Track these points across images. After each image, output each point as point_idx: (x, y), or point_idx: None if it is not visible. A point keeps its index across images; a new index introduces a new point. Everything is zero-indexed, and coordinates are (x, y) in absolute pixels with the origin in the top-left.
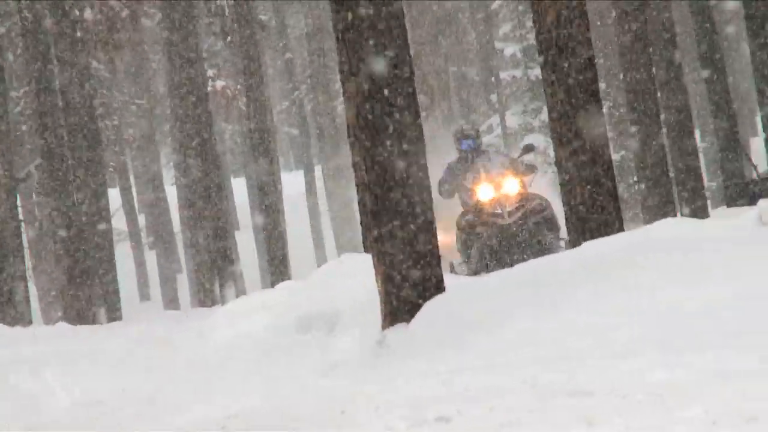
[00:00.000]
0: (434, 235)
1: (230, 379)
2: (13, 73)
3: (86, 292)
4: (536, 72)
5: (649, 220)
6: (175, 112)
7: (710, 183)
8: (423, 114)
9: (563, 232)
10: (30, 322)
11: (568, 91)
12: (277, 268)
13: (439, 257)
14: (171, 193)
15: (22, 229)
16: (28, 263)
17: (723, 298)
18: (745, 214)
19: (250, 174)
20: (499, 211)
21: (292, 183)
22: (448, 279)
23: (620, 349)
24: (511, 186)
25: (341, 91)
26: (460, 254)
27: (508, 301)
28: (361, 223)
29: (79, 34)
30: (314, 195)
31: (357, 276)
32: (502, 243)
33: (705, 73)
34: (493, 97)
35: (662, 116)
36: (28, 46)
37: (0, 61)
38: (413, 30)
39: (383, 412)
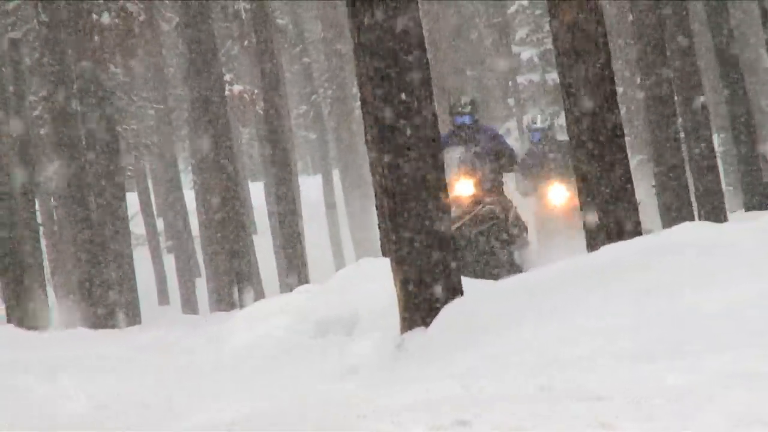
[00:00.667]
0: (451, 239)
1: (246, 383)
2: (31, 77)
3: (104, 296)
4: (553, 76)
5: (667, 225)
6: (193, 117)
7: (727, 187)
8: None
9: (527, 241)
10: (48, 327)
11: (585, 96)
12: (295, 272)
13: (455, 260)
14: (189, 197)
15: (41, 233)
16: (47, 267)
17: (744, 299)
18: (764, 217)
19: (267, 178)
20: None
21: (310, 187)
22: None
23: (635, 352)
24: (463, 187)
25: (358, 95)
26: None
27: (525, 304)
28: (379, 227)
29: (96, 38)
30: (332, 199)
31: (375, 280)
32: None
33: (725, 93)
34: (511, 101)
35: (679, 120)
36: (46, 50)
37: (16, 57)
38: (430, 34)
39: (401, 416)
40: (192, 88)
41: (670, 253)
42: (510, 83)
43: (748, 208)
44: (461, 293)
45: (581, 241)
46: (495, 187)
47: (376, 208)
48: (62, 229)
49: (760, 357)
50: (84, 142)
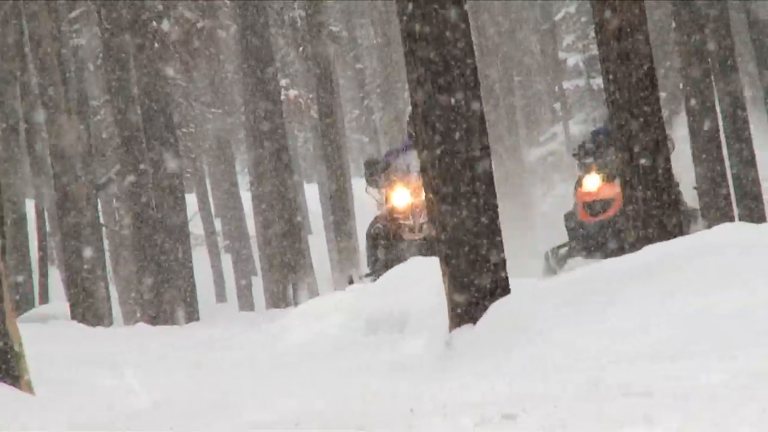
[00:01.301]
0: (500, 239)
1: (302, 379)
2: (94, 83)
3: (165, 293)
4: (598, 81)
5: (708, 226)
6: (250, 120)
7: None
8: (488, 120)
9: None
10: (111, 323)
11: (629, 101)
12: (348, 271)
13: (504, 260)
14: (246, 198)
15: (103, 234)
16: (109, 266)
17: None
18: None
19: (322, 180)
20: (411, 222)
21: (363, 188)
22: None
23: (674, 351)
24: None
25: (410, 99)
26: (367, 266)
27: (568, 304)
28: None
29: (156, 45)
30: None
31: (425, 279)
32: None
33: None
34: (557, 106)
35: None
36: (108, 57)
37: (79, 63)
38: (479, 40)
39: (451, 410)
40: (249, 93)
41: (711, 253)
42: (556, 88)
43: None
44: (508, 291)
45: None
46: None
47: (427, 208)
48: (123, 230)
49: None
50: (144, 145)
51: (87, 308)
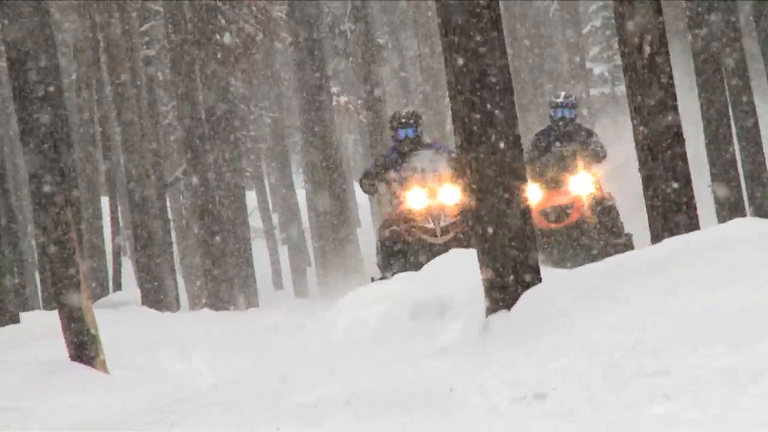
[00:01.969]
0: (532, 232)
1: (351, 362)
2: (163, 90)
3: (227, 282)
4: (621, 89)
5: (722, 221)
6: (304, 124)
7: None
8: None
9: None
10: (178, 309)
11: (650, 106)
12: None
13: (536, 252)
14: (300, 194)
15: (171, 227)
16: (176, 257)
17: None
18: None
19: None
20: (431, 225)
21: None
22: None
23: (691, 338)
24: (451, 194)
25: (449, 106)
26: (379, 269)
27: (595, 293)
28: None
29: (219, 55)
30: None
31: (464, 269)
32: None
33: None
34: (584, 111)
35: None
36: (176, 66)
37: (150, 72)
38: (513, 51)
39: (487, 390)
40: (303, 99)
41: (724, 248)
42: (583, 95)
43: None
44: (540, 280)
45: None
46: None
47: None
48: (190, 223)
49: None
50: (209, 146)
51: (156, 295)
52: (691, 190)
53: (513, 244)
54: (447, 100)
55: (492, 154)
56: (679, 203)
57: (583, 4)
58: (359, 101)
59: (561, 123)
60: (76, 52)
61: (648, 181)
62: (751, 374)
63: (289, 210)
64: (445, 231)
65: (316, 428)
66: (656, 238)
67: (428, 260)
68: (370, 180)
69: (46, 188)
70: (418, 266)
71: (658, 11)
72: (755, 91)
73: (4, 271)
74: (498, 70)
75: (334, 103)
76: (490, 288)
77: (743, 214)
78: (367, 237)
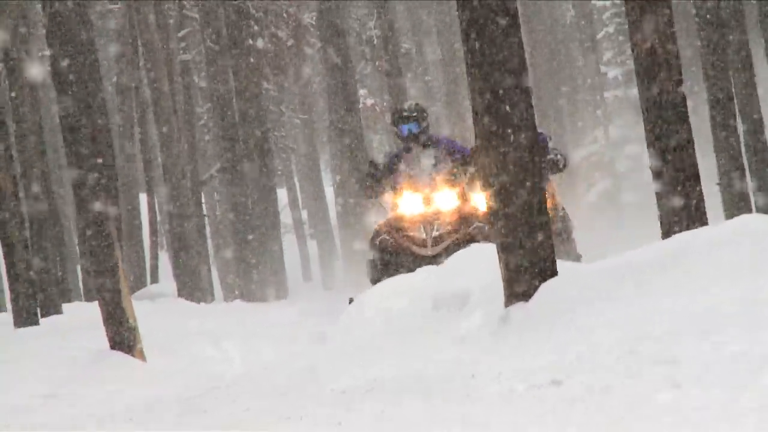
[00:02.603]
0: (549, 228)
1: (376, 351)
2: (198, 93)
3: (258, 274)
4: (634, 91)
5: (729, 217)
6: (332, 125)
7: None
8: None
9: None
10: (212, 300)
11: (660, 107)
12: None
13: (552, 245)
14: (329, 192)
15: (206, 222)
16: (211, 250)
17: None
18: None
19: None
20: (422, 235)
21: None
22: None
23: (700, 329)
24: (447, 200)
25: (470, 107)
26: (370, 282)
27: (608, 285)
28: (488, 219)
29: (252, 59)
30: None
31: (484, 262)
32: None
33: None
34: (599, 113)
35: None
36: (211, 69)
37: (187, 75)
38: (531, 55)
39: (505, 377)
40: (331, 101)
41: (730, 243)
42: (598, 97)
43: None
44: (555, 273)
45: None
46: (469, 202)
47: (486, 201)
48: (224, 218)
49: None
50: (242, 146)
51: (191, 287)
52: (700, 187)
53: (531, 239)
54: (467, 102)
55: (510, 153)
56: (689, 200)
57: (597, 11)
58: (384, 103)
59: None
60: (117, 56)
61: (658, 178)
62: (759, 362)
63: (317, 206)
64: (437, 241)
65: (345, 413)
66: (666, 234)
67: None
68: (371, 184)
69: (88, 184)
70: None
71: (670, 22)
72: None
73: (48, 264)
74: (516, 73)
75: (361, 105)
76: (509, 281)
77: (749, 210)
78: None
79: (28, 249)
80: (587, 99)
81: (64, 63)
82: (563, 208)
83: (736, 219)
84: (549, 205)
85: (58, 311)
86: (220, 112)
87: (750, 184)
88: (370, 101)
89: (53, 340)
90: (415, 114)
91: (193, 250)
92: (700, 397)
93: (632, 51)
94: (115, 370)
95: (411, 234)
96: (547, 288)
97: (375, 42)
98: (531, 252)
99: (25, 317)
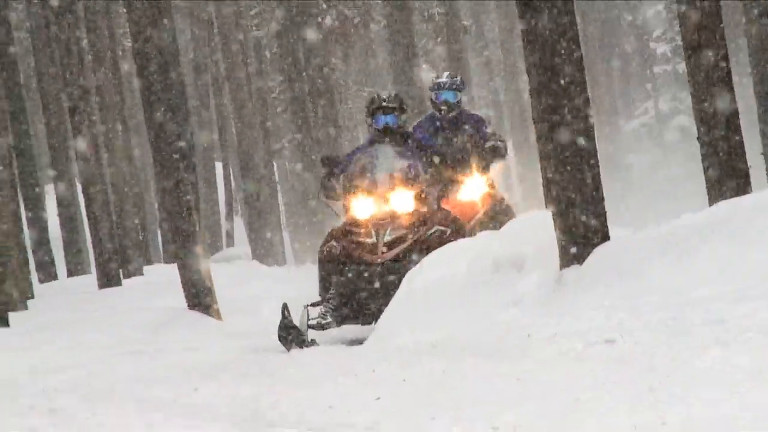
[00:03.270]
0: (602, 194)
1: (439, 311)
2: (270, 67)
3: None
4: (682, 66)
5: None
6: None
7: None
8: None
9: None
10: (284, 263)
11: (707, 80)
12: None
13: (605, 211)
14: None
15: (278, 190)
16: (283, 216)
17: None
18: None
19: None
20: (373, 240)
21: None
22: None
23: (744, 293)
24: (403, 201)
25: (527, 81)
26: (319, 291)
27: (657, 250)
28: (543, 186)
29: (320, 36)
30: (506, 167)
31: (541, 228)
32: (368, 290)
33: None
34: (648, 86)
35: None
36: (282, 45)
37: (259, 51)
38: (585, 32)
39: (560, 336)
40: (396, 76)
41: None
42: (648, 72)
43: None
44: (608, 238)
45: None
46: (436, 203)
47: (541, 171)
48: (295, 186)
49: None
50: (312, 118)
51: (264, 251)
52: (745, 156)
53: (585, 207)
54: (525, 76)
55: (564, 124)
56: (734, 170)
57: None
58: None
59: (444, 108)
60: (193, 33)
61: (706, 148)
62: None
63: None
64: (389, 246)
65: (410, 368)
66: (712, 202)
67: (365, 284)
68: (324, 182)
69: (167, 153)
70: (351, 296)
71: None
72: None
73: (129, 229)
74: (569, 49)
75: (423, 79)
76: (564, 245)
77: None
78: None
79: (111, 214)
80: (637, 73)
81: (145, 42)
82: (503, 199)
83: None
84: (489, 194)
85: (140, 273)
86: (290, 85)
87: None
88: (432, 75)
89: (135, 300)
90: (394, 105)
91: (265, 216)
92: (745, 357)
93: (680, 27)
94: (193, 328)
95: (361, 239)
96: (599, 253)
97: (437, 19)
98: (584, 219)
99: (108, 278)
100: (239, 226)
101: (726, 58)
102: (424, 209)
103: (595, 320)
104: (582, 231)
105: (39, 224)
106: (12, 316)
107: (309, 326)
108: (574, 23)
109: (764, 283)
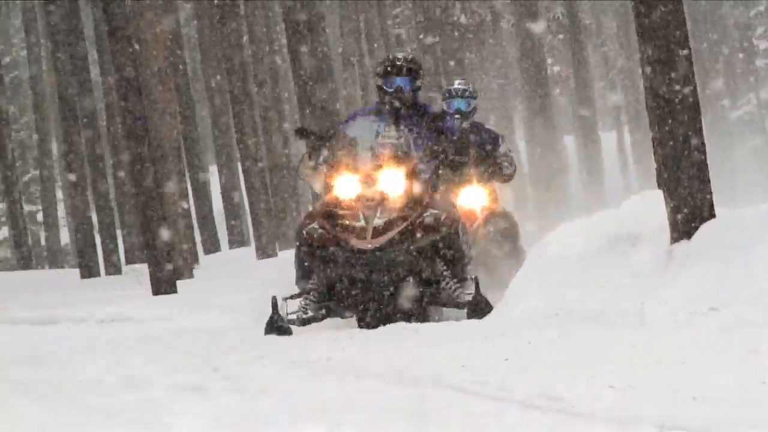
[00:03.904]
0: (708, 176)
1: (558, 282)
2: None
3: None
4: None
5: None
6: (524, 89)
7: None
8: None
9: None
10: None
11: None
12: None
13: (711, 192)
14: (521, 146)
15: None
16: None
17: None
18: None
19: (576, 133)
20: (361, 223)
21: (608, 140)
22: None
23: None
24: (394, 182)
25: (641, 74)
26: (296, 280)
27: (762, 227)
28: (656, 168)
29: (456, 33)
30: (624, 150)
31: (653, 206)
32: (357, 280)
33: None
34: (752, 79)
35: None
36: (421, 42)
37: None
38: (692, 28)
39: (671, 304)
40: (523, 68)
41: None
42: (751, 66)
43: None
44: (714, 216)
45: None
46: (431, 188)
47: (654, 155)
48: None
49: None
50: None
51: None
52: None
53: (692, 187)
54: (640, 69)
55: (674, 112)
56: None
57: None
58: (570, 70)
59: (457, 117)
60: (342, 33)
61: None
62: None
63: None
64: (380, 231)
65: (533, 334)
66: None
67: (353, 273)
68: (311, 164)
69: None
70: (337, 284)
71: None
72: None
73: (285, 205)
74: (679, 44)
75: (549, 71)
76: (674, 222)
77: None
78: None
79: (268, 193)
80: (741, 66)
81: (301, 43)
82: (506, 213)
83: None
84: (489, 208)
85: (293, 245)
86: (429, 78)
87: None
88: (557, 69)
89: (289, 270)
90: (411, 66)
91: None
92: None
93: None
94: None
95: (347, 222)
96: (706, 229)
97: (560, 18)
98: (692, 197)
99: (264, 250)
100: None
101: None
102: (417, 190)
103: (701, 291)
104: (690, 209)
105: (204, 203)
106: (180, 284)
107: (288, 322)
108: (683, 19)
109: None
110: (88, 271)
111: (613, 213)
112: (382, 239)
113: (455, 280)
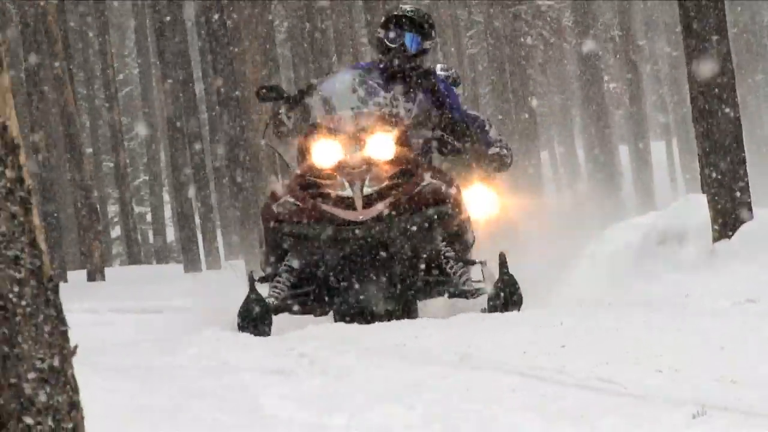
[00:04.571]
0: (747, 178)
1: (612, 275)
2: (481, 80)
3: None
4: None
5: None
6: (583, 102)
7: None
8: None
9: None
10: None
11: None
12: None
13: (749, 193)
14: (580, 154)
15: None
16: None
17: None
18: None
19: (630, 141)
20: (347, 192)
21: (658, 150)
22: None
23: None
24: (382, 147)
25: (688, 88)
26: (263, 264)
27: None
28: (700, 173)
29: (523, 52)
30: (672, 158)
31: (698, 208)
32: (347, 262)
33: None
34: None
35: None
36: (491, 60)
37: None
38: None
39: (713, 295)
40: (581, 83)
41: None
42: None
43: None
44: (752, 216)
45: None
46: (424, 157)
47: (698, 155)
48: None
49: None
50: (513, 119)
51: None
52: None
53: (735, 186)
54: (687, 85)
55: (718, 121)
56: None
57: None
58: (624, 87)
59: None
60: None
61: None
62: None
63: (570, 165)
64: (371, 201)
65: (590, 321)
66: None
67: (343, 252)
68: (277, 120)
69: None
70: (322, 268)
71: None
72: None
73: None
74: (723, 59)
75: (605, 88)
76: (716, 221)
77: None
78: (626, 186)
79: None
80: None
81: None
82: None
83: None
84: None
85: None
86: (499, 91)
87: None
88: (612, 85)
89: None
90: (421, 21)
91: None
92: None
93: None
94: None
95: (330, 192)
96: (747, 227)
97: (617, 39)
98: (733, 199)
99: None
100: None
101: None
102: (407, 155)
103: (740, 283)
104: (731, 210)
105: None
106: None
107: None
108: (725, 23)
109: None
110: (191, 266)
111: (662, 214)
112: (375, 210)
113: (460, 264)
